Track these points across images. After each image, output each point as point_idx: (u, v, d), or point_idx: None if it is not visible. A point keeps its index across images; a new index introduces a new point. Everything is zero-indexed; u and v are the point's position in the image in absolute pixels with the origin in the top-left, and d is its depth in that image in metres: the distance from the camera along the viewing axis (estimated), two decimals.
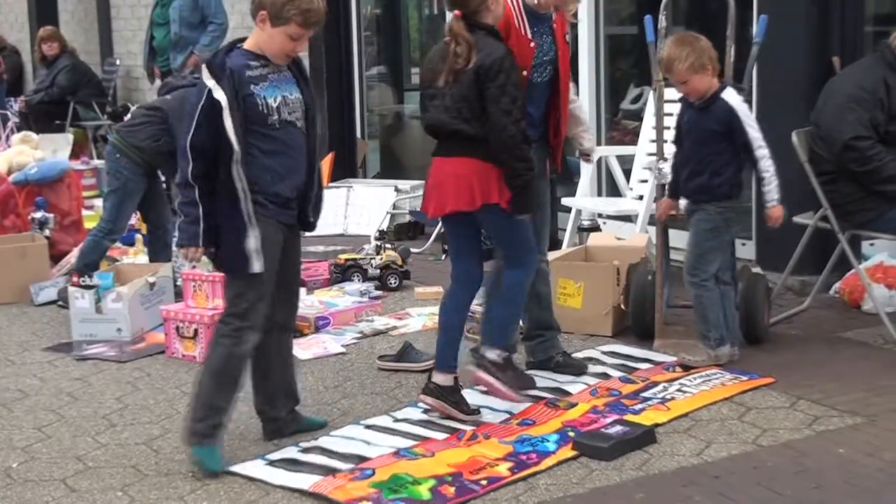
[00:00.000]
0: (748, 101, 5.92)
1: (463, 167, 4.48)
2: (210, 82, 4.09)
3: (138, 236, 7.57)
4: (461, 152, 4.48)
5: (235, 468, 4.26)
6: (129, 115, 6.92)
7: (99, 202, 8.95)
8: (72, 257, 7.18)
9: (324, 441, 4.47)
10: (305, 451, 4.38)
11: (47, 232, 7.49)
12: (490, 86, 4.37)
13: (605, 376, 5.10)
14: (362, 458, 4.26)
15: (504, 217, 4.51)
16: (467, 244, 4.71)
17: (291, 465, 4.26)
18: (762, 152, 5.03)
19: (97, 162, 10.34)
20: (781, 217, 5.13)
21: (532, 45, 4.77)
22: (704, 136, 5.06)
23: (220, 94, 4.07)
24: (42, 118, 11.95)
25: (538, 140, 4.87)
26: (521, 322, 5.08)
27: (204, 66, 4.17)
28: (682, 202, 5.30)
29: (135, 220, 7.98)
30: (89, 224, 8.14)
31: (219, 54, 4.20)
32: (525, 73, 4.69)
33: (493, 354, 4.70)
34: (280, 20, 4.14)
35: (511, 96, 4.37)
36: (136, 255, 7.13)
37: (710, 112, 5.05)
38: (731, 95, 5.05)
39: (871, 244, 6.16)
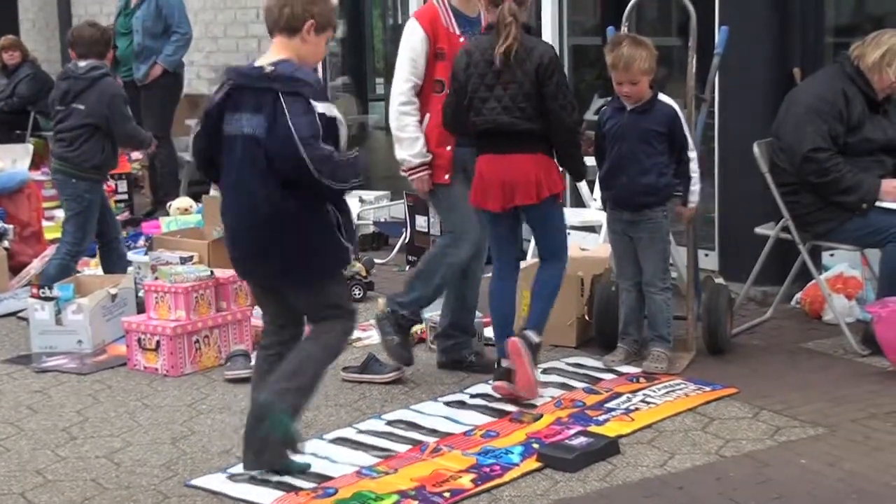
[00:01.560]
0: (710, 111, 5.98)
1: (530, 163, 4.81)
2: (323, 106, 4.02)
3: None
4: (526, 149, 4.81)
5: (196, 481, 4.23)
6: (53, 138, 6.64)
7: (59, 212, 8.88)
8: (31, 268, 7.11)
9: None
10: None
11: (6, 243, 7.41)
12: (549, 83, 4.73)
13: (569, 387, 5.10)
14: (324, 478, 4.23)
15: (557, 208, 4.97)
16: (508, 241, 5.05)
17: (253, 480, 4.22)
18: (694, 154, 5.20)
19: None
20: (691, 217, 5.29)
21: (461, 39, 5.06)
22: (646, 138, 5.13)
23: (335, 112, 4.07)
24: (1, 128, 11.83)
25: (471, 145, 5.01)
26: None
27: (298, 89, 3.99)
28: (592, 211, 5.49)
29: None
30: (49, 235, 8.07)
31: (286, 71, 4.03)
32: None
33: (534, 336, 4.94)
34: (324, 28, 4.18)
35: (566, 92, 4.80)
36: (97, 267, 7.06)
37: (652, 114, 5.13)
38: (668, 99, 5.20)
39: (832, 255, 6.21)
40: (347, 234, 4.20)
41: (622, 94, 5.16)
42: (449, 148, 5.12)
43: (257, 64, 4.13)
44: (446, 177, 5.16)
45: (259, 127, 4.02)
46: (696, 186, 5.23)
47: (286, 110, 3.96)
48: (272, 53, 4.15)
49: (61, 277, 6.19)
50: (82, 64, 6.51)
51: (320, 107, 4.00)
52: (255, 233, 4.14)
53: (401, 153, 5.19)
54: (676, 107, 5.18)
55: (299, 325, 4.33)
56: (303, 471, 4.22)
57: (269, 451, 4.13)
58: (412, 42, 5.10)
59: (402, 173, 5.29)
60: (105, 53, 6.64)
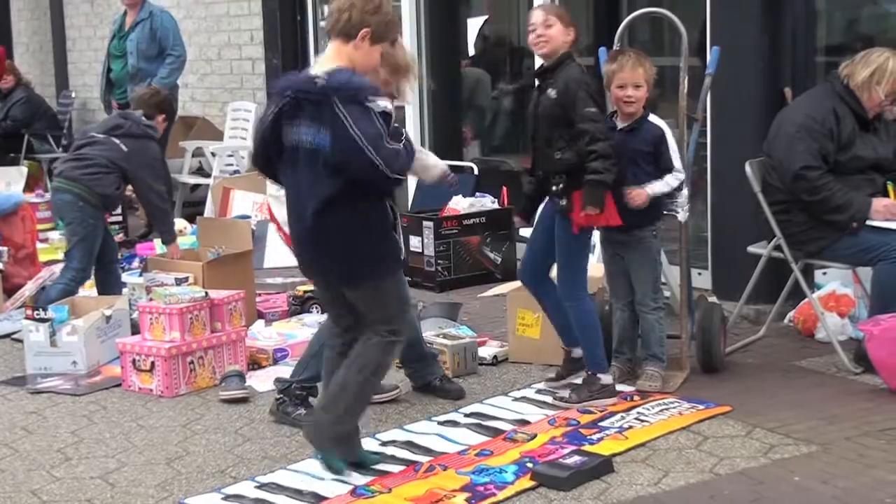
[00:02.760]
0: (703, 131, 6.01)
1: None
2: (379, 103, 4.19)
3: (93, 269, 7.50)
4: None
5: (192, 500, 4.24)
6: (73, 152, 6.63)
7: (53, 234, 8.90)
8: (26, 290, 7.12)
9: (281, 476, 4.44)
10: (262, 486, 4.35)
11: (1, 265, 7.42)
12: None
13: (564, 407, 5.11)
14: (319, 497, 4.24)
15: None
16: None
17: (247, 501, 4.23)
18: (678, 175, 5.18)
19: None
20: (639, 200, 5.11)
21: None
22: (635, 157, 5.14)
23: (389, 105, 4.35)
24: None
25: None
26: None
27: (353, 94, 4.12)
28: None
29: None
30: (44, 257, 8.09)
31: (341, 79, 4.14)
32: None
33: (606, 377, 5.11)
34: (382, 39, 4.29)
35: None
36: (92, 288, 7.07)
37: (639, 134, 5.16)
38: (658, 120, 5.21)
39: (824, 273, 6.23)
40: (400, 234, 4.38)
41: (625, 98, 5.12)
42: None
43: (312, 72, 4.26)
44: None
45: (319, 138, 4.14)
46: (661, 185, 5.13)
47: (346, 118, 4.07)
48: (327, 60, 4.28)
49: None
50: (143, 118, 6.64)
51: (377, 104, 4.14)
52: (321, 236, 4.25)
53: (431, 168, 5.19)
54: (666, 128, 5.19)
55: (363, 326, 4.44)
56: (375, 463, 4.46)
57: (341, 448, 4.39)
58: None
59: None
60: (154, 116, 6.74)
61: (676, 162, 5.17)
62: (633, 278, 5.27)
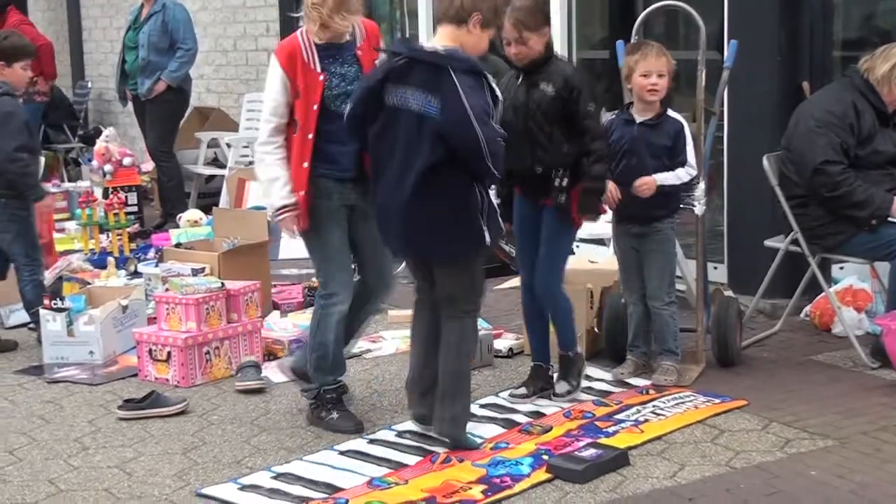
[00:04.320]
0: (720, 125, 5.99)
1: None
2: (496, 85, 4.30)
3: (110, 259, 7.53)
4: None
5: (208, 490, 4.25)
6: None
7: (70, 224, 8.94)
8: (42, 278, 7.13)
9: (297, 467, 4.45)
10: (278, 476, 4.37)
11: None
12: None
13: (580, 400, 5.11)
14: (335, 488, 4.25)
15: None
16: None
17: (263, 491, 4.24)
18: (690, 171, 5.18)
19: (68, 185, 10.30)
20: (647, 188, 5.11)
21: (321, 77, 4.65)
22: (655, 152, 5.15)
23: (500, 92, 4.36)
24: None
25: (354, 178, 4.70)
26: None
27: (472, 67, 4.21)
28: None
29: (106, 242, 7.98)
30: (60, 247, 8.12)
31: (458, 54, 4.24)
32: (315, 107, 4.62)
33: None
34: (490, 24, 4.36)
35: None
36: (108, 278, 7.09)
37: (661, 128, 5.16)
38: (678, 115, 5.23)
39: (841, 267, 6.22)
40: (489, 219, 4.34)
41: (650, 87, 5.11)
42: (303, 193, 4.69)
43: (429, 44, 4.33)
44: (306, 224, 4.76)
45: (428, 105, 4.19)
46: (671, 177, 5.12)
47: (459, 88, 4.12)
48: (438, 40, 4.34)
49: (40, 298, 6.11)
50: None
51: (495, 87, 4.24)
52: (408, 207, 4.29)
53: (264, 198, 5.03)
54: (685, 123, 5.20)
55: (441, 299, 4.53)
56: (475, 447, 4.54)
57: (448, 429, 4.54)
58: (270, 80, 4.74)
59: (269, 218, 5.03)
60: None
61: (691, 157, 5.17)
62: (646, 271, 5.27)
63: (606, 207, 5.04)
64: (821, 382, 5.26)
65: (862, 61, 5.57)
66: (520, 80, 4.84)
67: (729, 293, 5.78)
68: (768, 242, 5.90)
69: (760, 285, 5.91)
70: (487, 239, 4.35)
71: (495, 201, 4.50)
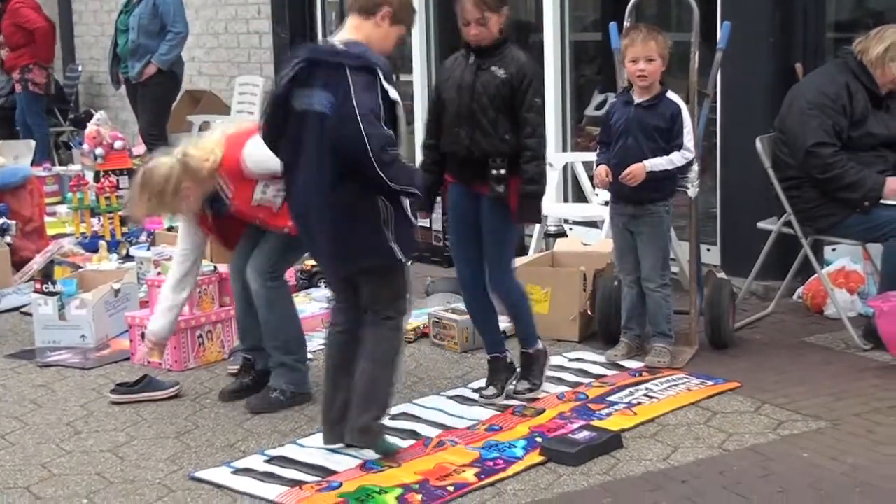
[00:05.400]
0: (713, 107, 5.98)
1: None
2: (390, 88, 4.10)
3: (102, 243, 7.51)
4: None
5: (201, 474, 4.25)
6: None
7: (61, 208, 8.91)
8: (34, 264, 7.12)
9: (290, 450, 4.45)
10: (271, 460, 4.37)
11: (9, 239, 7.40)
12: None
13: (573, 383, 5.11)
14: (329, 472, 4.25)
15: None
16: None
17: (257, 474, 4.24)
18: (687, 154, 5.13)
19: (59, 168, 10.26)
20: (637, 175, 5.09)
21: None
22: (651, 133, 5.14)
23: (397, 96, 4.13)
24: (3, 124, 11.86)
25: None
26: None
27: (366, 65, 4.05)
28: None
29: (98, 226, 7.95)
30: (51, 231, 8.09)
31: (357, 50, 4.10)
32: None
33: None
34: (400, 21, 4.27)
35: None
36: (100, 262, 7.07)
37: (657, 109, 5.14)
38: (676, 97, 5.18)
39: (833, 249, 6.22)
40: (397, 235, 4.16)
41: (638, 73, 5.10)
42: None
43: (331, 41, 4.25)
44: None
45: (328, 103, 4.07)
46: (664, 163, 5.10)
47: (352, 86, 4.01)
48: (344, 33, 4.25)
49: None
50: None
51: (388, 87, 4.06)
52: (316, 212, 4.20)
53: None
54: (683, 105, 5.17)
55: (361, 311, 4.38)
56: (392, 451, 4.36)
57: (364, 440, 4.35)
58: None
59: None
60: None
61: (688, 141, 5.14)
62: (640, 253, 5.26)
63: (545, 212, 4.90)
64: (813, 364, 5.27)
65: (855, 43, 5.56)
66: (470, 59, 4.67)
67: (722, 275, 5.78)
68: (761, 224, 5.90)
69: (753, 267, 5.91)
70: (399, 255, 4.19)
71: (415, 216, 4.31)
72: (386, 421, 4.41)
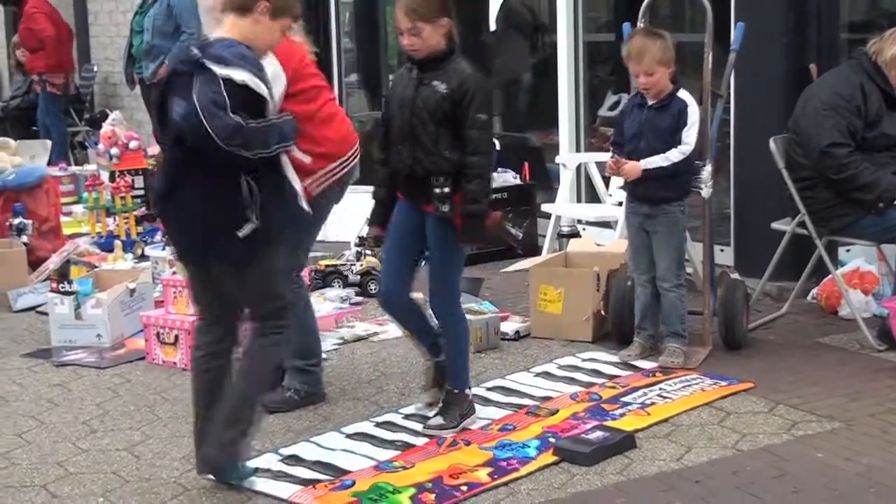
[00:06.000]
0: (726, 107, 5.99)
1: None
2: (229, 70, 3.85)
3: (117, 242, 7.55)
4: None
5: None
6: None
7: (77, 208, 8.94)
8: (50, 263, 7.16)
9: (303, 449, 4.46)
10: (285, 458, 4.38)
11: (25, 238, 7.46)
12: None
13: (586, 383, 5.12)
14: (342, 471, 4.26)
15: None
16: None
17: (270, 473, 4.25)
18: (685, 149, 5.10)
19: (75, 168, 10.30)
20: (631, 172, 5.11)
21: None
22: (663, 135, 5.14)
23: (245, 76, 3.89)
24: (18, 124, 11.91)
25: None
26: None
27: (210, 64, 3.88)
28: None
29: (113, 225, 7.99)
30: (67, 230, 8.13)
31: (213, 51, 3.91)
32: None
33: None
34: (283, 13, 4.12)
35: None
36: (116, 262, 7.11)
37: (668, 110, 5.14)
38: (686, 95, 5.18)
39: (848, 250, 6.21)
40: (265, 216, 3.92)
41: (640, 85, 5.16)
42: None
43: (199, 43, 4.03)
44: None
45: (180, 110, 3.91)
46: (661, 161, 5.08)
47: (195, 85, 3.85)
48: (218, 32, 4.05)
49: None
50: None
51: (223, 71, 3.82)
52: (176, 208, 4.04)
53: None
54: (690, 102, 5.18)
55: (234, 323, 4.16)
56: (248, 477, 4.13)
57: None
58: None
59: None
60: None
61: (687, 136, 5.12)
62: (655, 253, 5.27)
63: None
64: (828, 365, 5.26)
65: (870, 44, 5.56)
66: (413, 73, 4.45)
67: (735, 276, 5.77)
68: (775, 225, 5.89)
69: (767, 268, 5.91)
70: (261, 238, 3.94)
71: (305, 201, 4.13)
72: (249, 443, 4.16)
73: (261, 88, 3.89)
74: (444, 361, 4.71)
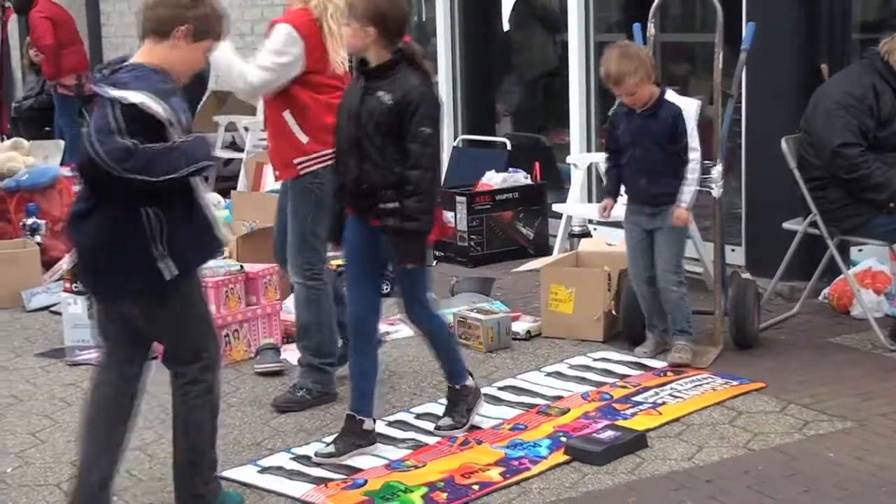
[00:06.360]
0: (737, 107, 5.99)
1: None
2: (121, 93, 3.58)
3: None
4: None
5: (229, 473, 4.28)
6: None
7: None
8: (63, 263, 7.19)
9: (315, 449, 4.46)
10: (297, 458, 4.40)
11: (39, 238, 7.49)
12: None
13: (597, 382, 5.13)
14: (354, 470, 4.28)
15: None
16: None
17: (283, 473, 4.28)
18: (694, 155, 5.14)
19: None
20: (687, 220, 5.19)
21: None
22: (657, 141, 5.14)
23: (143, 98, 3.58)
24: (31, 125, 11.93)
25: None
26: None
27: (105, 92, 3.62)
28: (617, 207, 5.41)
29: None
30: None
31: (119, 78, 3.65)
32: None
33: None
34: (205, 35, 3.76)
35: None
36: None
37: (660, 116, 5.14)
38: (675, 97, 5.19)
39: (860, 250, 6.21)
40: (172, 249, 3.63)
41: (627, 103, 5.18)
42: None
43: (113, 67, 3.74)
44: None
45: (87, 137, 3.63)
46: (690, 187, 5.14)
47: (94, 110, 3.63)
48: (136, 57, 3.76)
49: None
50: None
51: (118, 93, 3.56)
52: (80, 244, 3.78)
53: None
54: (684, 105, 5.17)
55: (143, 360, 3.96)
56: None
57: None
58: None
59: None
60: None
61: (693, 141, 5.13)
62: (656, 250, 5.24)
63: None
64: (839, 365, 5.26)
65: (882, 43, 5.55)
66: (361, 83, 4.30)
67: (746, 275, 5.77)
68: (786, 225, 5.89)
69: (778, 268, 5.90)
70: (169, 274, 3.63)
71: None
72: (217, 473, 4.01)
73: (159, 111, 3.56)
74: (360, 418, 4.42)
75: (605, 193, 5.55)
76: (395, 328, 6.07)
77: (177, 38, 3.71)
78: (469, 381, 4.64)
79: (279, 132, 4.95)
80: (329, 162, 4.73)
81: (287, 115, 4.90)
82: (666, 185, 5.15)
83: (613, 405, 4.81)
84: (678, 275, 5.26)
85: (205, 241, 3.79)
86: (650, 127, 5.15)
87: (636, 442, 4.37)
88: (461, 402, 4.61)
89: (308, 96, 4.87)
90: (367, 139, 4.24)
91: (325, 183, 4.80)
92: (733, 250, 6.59)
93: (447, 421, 4.61)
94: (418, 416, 4.78)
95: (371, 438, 4.44)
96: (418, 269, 4.34)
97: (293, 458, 4.40)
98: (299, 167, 4.89)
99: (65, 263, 7.16)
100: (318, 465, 4.32)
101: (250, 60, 4.94)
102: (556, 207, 7.26)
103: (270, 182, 9.02)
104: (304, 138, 4.86)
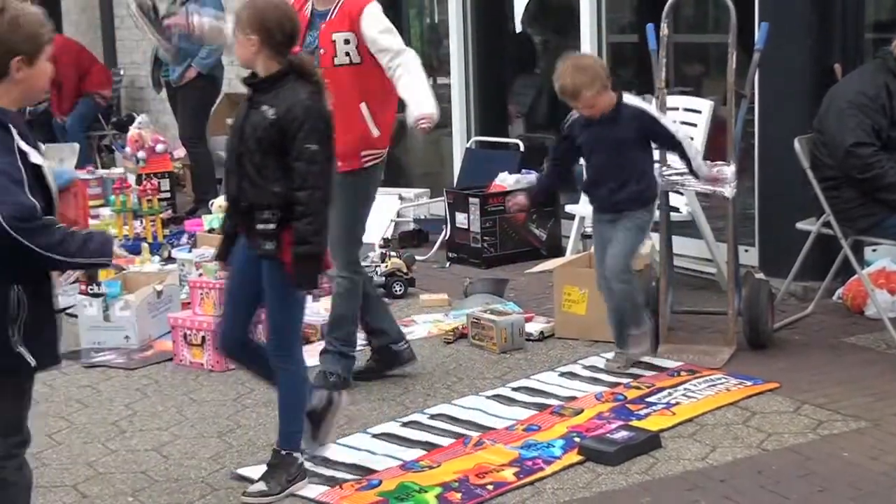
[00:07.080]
0: (750, 108, 5.98)
1: None
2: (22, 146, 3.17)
3: (144, 245, 7.60)
4: None
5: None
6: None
7: (104, 211, 9.00)
8: None
9: (329, 449, 4.47)
10: (311, 459, 4.41)
11: None
12: None
13: (611, 383, 5.13)
14: (368, 471, 4.29)
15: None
16: None
17: None
18: (680, 133, 5.13)
19: (102, 171, 10.37)
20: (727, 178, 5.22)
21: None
22: (620, 147, 5.08)
23: (36, 158, 3.22)
24: (44, 129, 11.98)
25: None
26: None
27: None
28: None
29: (140, 228, 8.05)
30: None
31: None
32: None
33: None
34: (38, 52, 3.24)
35: None
36: (143, 264, 7.16)
37: (620, 122, 5.07)
38: (632, 99, 5.15)
39: (874, 250, 6.20)
40: (27, 337, 3.18)
41: (586, 114, 5.10)
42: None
43: None
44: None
45: None
46: (697, 160, 5.13)
47: None
48: None
49: None
50: None
51: (24, 148, 3.16)
52: None
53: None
54: (644, 105, 5.14)
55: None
56: None
57: None
58: None
59: None
60: None
61: (669, 124, 5.13)
62: (610, 246, 5.15)
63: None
64: (853, 365, 5.26)
65: (895, 43, 5.54)
66: (248, 96, 4.10)
67: (760, 276, 5.77)
68: (800, 225, 5.89)
69: (792, 268, 5.90)
70: (30, 361, 3.18)
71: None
72: None
73: (49, 174, 3.25)
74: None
75: (527, 191, 5.69)
76: (409, 329, 6.09)
77: (16, 72, 3.19)
78: (298, 455, 4.17)
79: (351, 125, 4.84)
80: (381, 158, 5.02)
81: (363, 106, 4.94)
82: (629, 192, 5.09)
83: (627, 405, 4.82)
84: (626, 274, 5.11)
85: (54, 342, 3.34)
86: (611, 133, 5.06)
87: (650, 442, 4.38)
88: (282, 470, 4.12)
89: (387, 90, 4.94)
90: (247, 155, 4.01)
91: (379, 178, 5.02)
92: (747, 251, 6.58)
93: (261, 486, 4.11)
94: (432, 417, 4.79)
95: (304, 471, 4.19)
96: (294, 306, 4.11)
97: (308, 459, 4.41)
98: (364, 160, 4.97)
99: None
100: (332, 465, 4.34)
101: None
102: (569, 209, 7.26)
103: None
104: (375, 132, 4.96)
